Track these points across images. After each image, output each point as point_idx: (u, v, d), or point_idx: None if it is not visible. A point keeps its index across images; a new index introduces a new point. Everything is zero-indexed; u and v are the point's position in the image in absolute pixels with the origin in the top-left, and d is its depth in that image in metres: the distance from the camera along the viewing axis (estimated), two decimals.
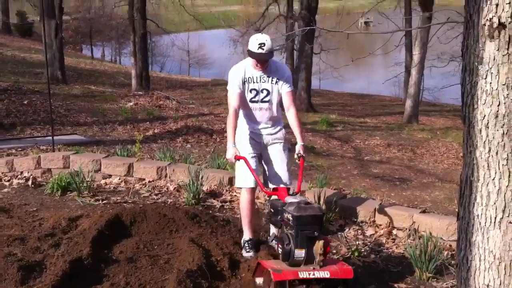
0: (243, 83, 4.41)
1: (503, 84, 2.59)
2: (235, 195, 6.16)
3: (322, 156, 11.44)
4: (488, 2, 2.57)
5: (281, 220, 3.73)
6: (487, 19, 2.59)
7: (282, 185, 4.28)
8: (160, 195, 6.20)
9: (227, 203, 5.97)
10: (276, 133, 4.56)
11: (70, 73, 21.28)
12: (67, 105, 14.13)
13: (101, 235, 4.45)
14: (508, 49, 2.56)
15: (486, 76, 2.63)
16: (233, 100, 4.39)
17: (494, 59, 2.60)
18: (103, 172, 6.76)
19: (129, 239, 4.53)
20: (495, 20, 2.56)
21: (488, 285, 2.71)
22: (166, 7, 24.23)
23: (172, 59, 42.45)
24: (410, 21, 20.82)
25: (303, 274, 3.38)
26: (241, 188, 4.53)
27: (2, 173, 6.92)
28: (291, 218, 3.54)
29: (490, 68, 2.61)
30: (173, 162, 7.07)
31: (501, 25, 2.55)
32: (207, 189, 6.26)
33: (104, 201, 5.87)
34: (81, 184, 6.11)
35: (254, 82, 4.42)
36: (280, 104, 4.55)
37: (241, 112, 4.51)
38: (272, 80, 4.43)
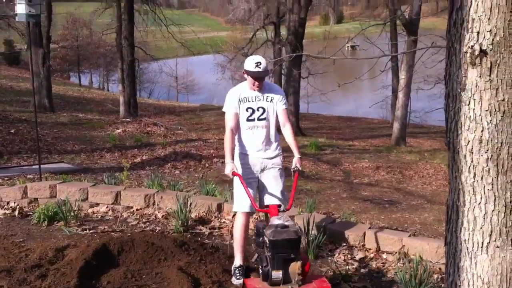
0: (239, 102, 4.60)
1: (486, 110, 2.61)
2: (224, 222, 6.13)
3: (311, 180, 11.45)
4: (470, 30, 2.61)
5: (262, 242, 3.90)
6: (469, 47, 2.63)
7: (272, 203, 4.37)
8: (148, 223, 6.15)
9: (216, 230, 5.94)
10: (273, 157, 4.67)
11: (57, 101, 21.26)
12: (54, 133, 14.09)
13: (88, 265, 4.40)
14: (490, 75, 2.59)
15: (469, 102, 2.66)
16: (229, 120, 4.60)
17: (476, 86, 2.63)
18: (90, 200, 6.70)
19: (116, 269, 4.47)
20: (477, 47, 2.60)
21: None
22: (154, 35, 24.33)
23: (160, 85, 42.60)
24: (396, 45, 21.14)
25: None
26: (236, 212, 4.65)
27: None
28: (267, 242, 3.71)
29: (473, 95, 2.64)
30: (161, 189, 7.03)
31: (483, 52, 2.59)
32: (196, 216, 6.22)
33: (92, 230, 5.81)
34: (68, 214, 6.05)
35: (250, 101, 4.61)
36: (277, 128, 4.69)
37: (238, 138, 4.67)
38: (267, 98, 4.63)
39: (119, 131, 15.87)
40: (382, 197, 10.52)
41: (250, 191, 4.42)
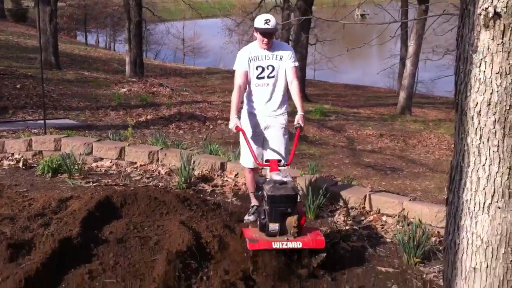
0: (249, 61, 4.70)
1: (497, 73, 2.60)
2: (226, 180, 6.17)
3: (314, 145, 11.46)
4: None
5: (261, 196, 4.10)
6: (483, 9, 2.60)
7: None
8: (151, 178, 6.19)
9: (218, 188, 5.98)
10: (278, 115, 4.80)
11: (64, 58, 21.15)
12: (60, 90, 14.07)
13: (91, 216, 4.44)
14: (502, 38, 2.58)
15: (480, 64, 2.65)
16: (238, 78, 4.72)
17: (488, 48, 2.62)
18: (94, 155, 6.74)
19: (119, 221, 4.51)
20: (491, 9, 2.57)
21: (475, 268, 2.74)
22: None
23: (166, 47, 42.24)
24: (406, 13, 20.82)
25: (276, 245, 3.80)
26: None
27: None
28: (266, 197, 3.93)
29: (484, 57, 2.63)
30: (165, 147, 7.06)
31: (497, 15, 2.56)
32: (199, 173, 6.26)
33: (95, 184, 5.86)
34: (72, 167, 6.09)
35: (260, 60, 4.70)
36: (287, 89, 4.80)
37: (247, 96, 4.85)
38: (276, 57, 4.70)
39: (124, 90, 15.83)
40: (384, 164, 10.54)
41: (255, 147, 4.66)
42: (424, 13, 16.37)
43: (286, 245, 3.80)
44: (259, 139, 4.81)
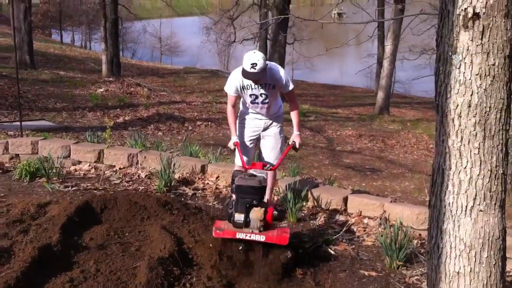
0: (242, 89, 4.77)
1: (476, 74, 2.62)
2: (207, 183, 6.13)
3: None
4: None
5: (233, 188, 4.17)
6: (462, 9, 2.61)
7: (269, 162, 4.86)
8: (131, 182, 6.12)
9: (199, 191, 5.93)
10: (274, 120, 5.01)
11: (39, 57, 20.84)
12: (35, 90, 13.87)
13: (70, 222, 4.37)
14: (481, 39, 2.59)
15: (460, 65, 2.66)
16: (230, 101, 4.88)
17: (467, 49, 2.63)
18: (72, 158, 6.64)
19: (99, 226, 4.45)
20: (470, 10, 2.59)
21: (458, 272, 2.76)
22: None
23: (143, 46, 41.91)
24: (383, 12, 20.97)
25: (240, 235, 3.85)
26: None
27: None
28: (233, 187, 4.05)
29: (464, 58, 2.64)
30: (144, 149, 6.99)
31: (476, 15, 2.58)
32: (179, 176, 6.20)
33: (74, 188, 5.77)
34: (50, 170, 5.99)
35: (252, 89, 4.73)
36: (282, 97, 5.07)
37: (243, 105, 5.02)
38: (269, 86, 4.72)
39: (101, 90, 15.66)
40: (364, 165, 10.62)
41: (247, 152, 4.99)
42: (401, 13, 16.52)
43: (250, 237, 3.84)
44: (254, 141, 5.04)
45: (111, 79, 18.39)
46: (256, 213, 3.91)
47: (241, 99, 4.97)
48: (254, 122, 5.00)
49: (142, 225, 4.58)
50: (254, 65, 4.44)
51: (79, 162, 6.61)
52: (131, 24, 38.03)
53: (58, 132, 9.35)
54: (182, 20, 37.61)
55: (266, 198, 4.87)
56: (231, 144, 4.87)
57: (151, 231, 4.37)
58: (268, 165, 4.62)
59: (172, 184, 5.90)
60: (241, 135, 5.01)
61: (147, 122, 11.88)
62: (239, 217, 3.92)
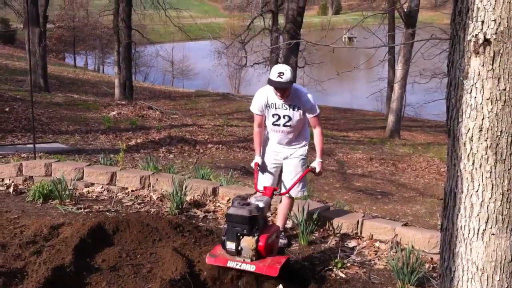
0: (266, 107, 4.76)
1: (487, 99, 2.64)
2: (219, 206, 6.15)
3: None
4: (474, 19, 2.63)
5: None
6: (473, 35, 2.65)
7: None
8: (143, 204, 6.16)
9: (211, 213, 5.95)
10: (299, 148, 4.95)
11: (52, 81, 21.14)
12: (49, 113, 14.03)
13: (83, 243, 4.40)
14: (492, 64, 2.62)
15: (471, 90, 2.69)
16: (256, 121, 4.90)
17: (479, 74, 2.66)
18: (85, 180, 6.70)
19: (111, 248, 4.48)
20: (481, 36, 2.63)
21: None
22: (151, 18, 24.20)
23: (156, 70, 42.39)
24: (393, 37, 21.11)
25: (231, 263, 3.85)
26: None
27: None
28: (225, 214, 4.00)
29: (475, 83, 2.67)
30: (156, 171, 7.04)
31: (487, 41, 2.61)
32: (191, 199, 6.23)
33: (87, 210, 5.82)
34: (63, 192, 6.05)
35: (276, 108, 4.73)
36: (307, 126, 4.99)
37: (267, 131, 5.00)
38: (294, 108, 4.70)
39: (114, 113, 15.82)
40: (375, 188, 10.59)
41: (268, 176, 4.97)
42: (411, 37, 16.63)
43: (240, 266, 3.82)
44: (276, 168, 4.99)
45: (123, 102, 18.58)
46: (248, 242, 3.87)
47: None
48: (275, 150, 4.96)
49: (153, 247, 4.60)
50: (281, 74, 4.41)
51: (92, 184, 6.67)
52: (143, 48, 38.53)
53: (71, 154, 9.44)
54: (194, 44, 37.97)
55: (280, 223, 4.94)
56: (252, 164, 4.93)
57: (163, 253, 4.39)
58: (278, 190, 4.62)
59: (183, 207, 5.93)
60: (265, 158, 5.01)
61: (158, 145, 11.96)
62: (230, 245, 3.90)
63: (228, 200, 6.25)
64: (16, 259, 4.13)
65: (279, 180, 5.07)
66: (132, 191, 6.53)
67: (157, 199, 6.32)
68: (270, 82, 4.49)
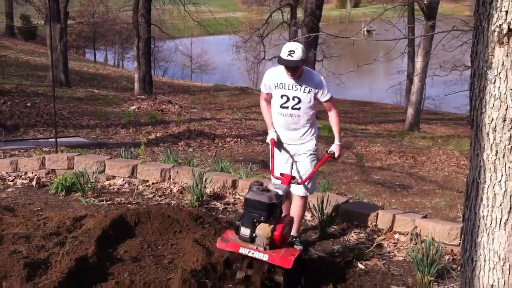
0: (275, 87, 4.50)
1: (511, 89, 2.63)
2: (238, 198, 6.18)
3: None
4: (498, 9, 2.61)
5: None
6: (497, 26, 2.64)
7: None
8: (163, 196, 6.21)
9: (230, 206, 5.99)
10: (306, 142, 4.64)
11: (73, 76, 21.36)
12: (70, 108, 14.20)
13: (105, 235, 4.47)
14: None
15: (495, 81, 2.68)
16: (262, 96, 4.73)
17: (502, 64, 2.64)
18: (107, 173, 6.78)
19: (133, 239, 4.54)
20: (505, 26, 2.61)
21: (492, 285, 2.74)
22: (170, 13, 24.29)
23: (174, 64, 42.53)
24: (413, 29, 20.90)
25: (243, 250, 3.69)
26: None
27: (6, 173, 6.94)
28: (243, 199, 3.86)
29: (499, 73, 2.66)
30: (176, 164, 7.09)
31: (511, 31, 2.60)
32: (210, 191, 6.27)
33: (108, 202, 5.89)
34: (85, 185, 6.12)
35: (285, 89, 4.46)
36: (315, 116, 4.67)
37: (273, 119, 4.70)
38: (304, 89, 4.43)
39: (133, 107, 15.94)
40: (394, 181, 10.54)
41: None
42: (431, 29, 16.45)
43: (253, 254, 3.67)
44: (288, 165, 4.67)
45: (143, 96, 18.72)
46: (264, 230, 3.72)
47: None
48: (286, 146, 4.65)
49: (174, 238, 4.65)
50: (292, 52, 4.19)
51: (114, 177, 6.74)
52: (163, 43, 38.68)
53: (92, 148, 9.55)
54: (212, 38, 38.10)
55: (294, 232, 4.60)
56: (268, 140, 4.61)
57: (184, 244, 4.43)
58: (296, 179, 4.39)
59: (203, 199, 5.98)
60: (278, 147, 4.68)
61: (178, 139, 12.04)
62: (245, 231, 3.74)
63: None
64: (40, 250, 4.20)
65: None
66: (153, 183, 6.58)
67: (177, 191, 6.37)
68: (280, 60, 4.27)
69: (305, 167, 4.66)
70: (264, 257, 3.65)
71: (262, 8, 33.62)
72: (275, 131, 4.60)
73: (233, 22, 37.01)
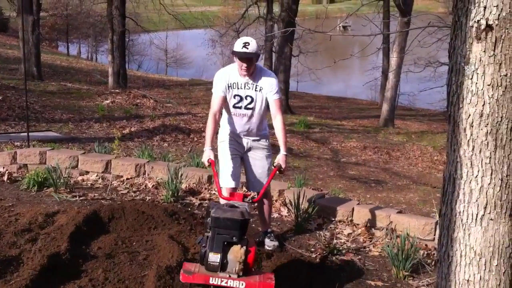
0: (228, 87, 4.39)
1: (489, 85, 2.63)
2: (214, 193, 6.14)
3: (299, 157, 11.48)
4: (476, 5, 2.62)
5: (207, 222, 3.41)
6: (475, 21, 2.64)
7: (255, 192, 4.39)
8: (138, 192, 6.14)
9: (206, 201, 5.94)
10: (258, 140, 4.61)
11: (45, 69, 20.98)
12: (42, 102, 13.93)
13: (78, 231, 4.40)
14: (494, 50, 2.61)
15: (472, 76, 2.68)
16: (214, 104, 4.40)
17: (480, 60, 2.65)
18: (80, 168, 6.67)
19: (107, 235, 4.48)
20: (483, 22, 2.61)
21: (468, 280, 2.75)
22: (145, 6, 24.03)
23: (149, 58, 42.15)
24: (388, 25, 21.08)
25: (214, 281, 3.16)
26: None
27: None
28: (209, 220, 3.32)
29: (476, 69, 2.66)
30: (151, 160, 7.01)
31: (489, 27, 2.60)
32: (186, 187, 6.22)
33: (81, 198, 5.79)
34: (58, 180, 6.01)
35: (238, 88, 4.39)
36: (268, 114, 4.55)
37: (225, 115, 4.58)
38: (256, 87, 4.39)
39: (107, 101, 15.72)
40: (369, 176, 10.59)
41: (230, 173, 4.42)
42: (406, 26, 16.57)
43: (227, 283, 3.16)
44: (237, 158, 4.55)
45: (117, 90, 18.47)
46: (236, 253, 3.21)
47: (223, 115, 4.58)
48: (238, 140, 4.57)
49: (149, 234, 4.59)
50: (247, 44, 4.18)
51: (87, 173, 6.63)
52: (137, 36, 38.27)
53: (64, 143, 9.38)
54: (188, 32, 37.79)
55: (266, 228, 4.67)
56: (205, 159, 4.20)
57: (159, 240, 4.38)
58: (250, 197, 3.86)
59: (179, 194, 5.92)
60: (224, 154, 4.53)
61: (152, 133, 11.90)
62: (215, 257, 3.19)
63: None
64: (11, 247, 4.11)
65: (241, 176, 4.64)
66: (127, 179, 6.50)
67: (152, 187, 6.30)
68: (235, 53, 4.21)
69: (262, 163, 4.60)
70: (241, 284, 3.17)
71: (239, 3, 33.47)
72: (211, 149, 4.25)
73: (209, 16, 36.80)
